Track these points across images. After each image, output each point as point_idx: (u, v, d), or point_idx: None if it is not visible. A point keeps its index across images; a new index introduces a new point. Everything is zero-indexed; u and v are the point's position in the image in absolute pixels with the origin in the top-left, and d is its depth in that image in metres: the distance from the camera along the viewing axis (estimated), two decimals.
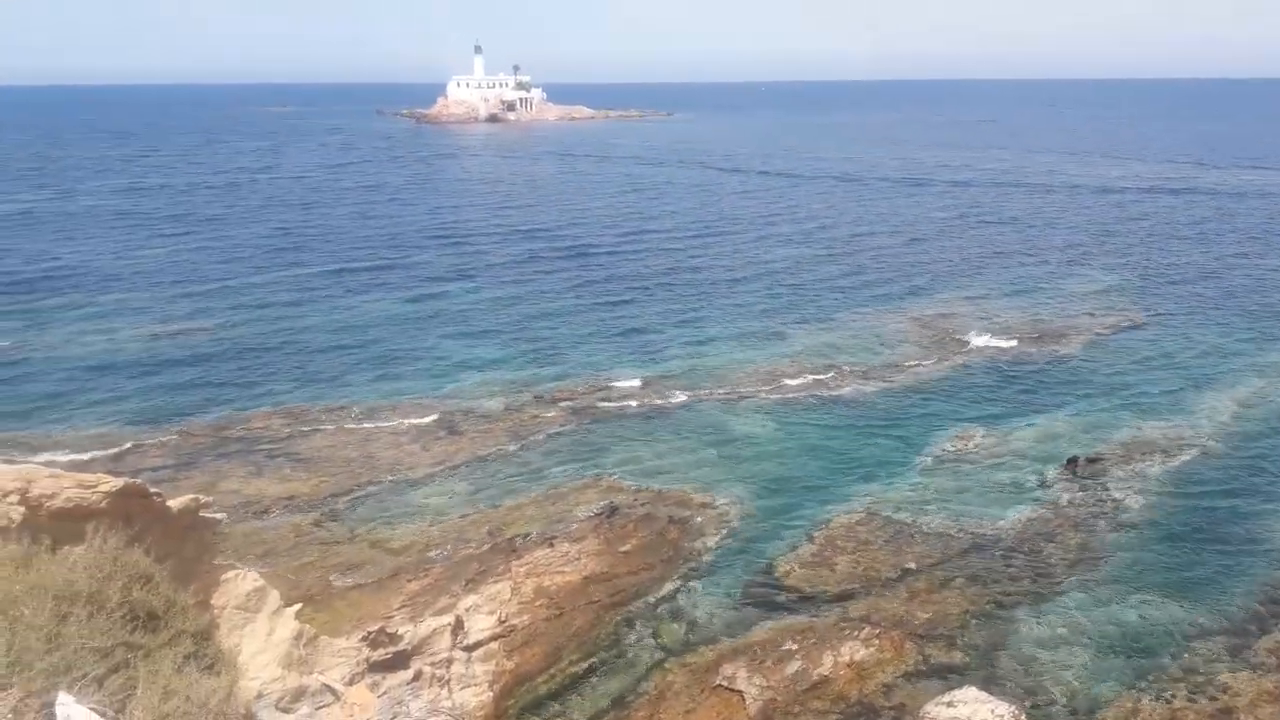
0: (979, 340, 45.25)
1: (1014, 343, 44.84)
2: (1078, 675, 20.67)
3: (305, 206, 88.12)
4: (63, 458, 29.46)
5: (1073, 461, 31.30)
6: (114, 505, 12.58)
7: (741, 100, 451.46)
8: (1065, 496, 29.11)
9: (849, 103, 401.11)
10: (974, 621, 22.57)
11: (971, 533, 26.90)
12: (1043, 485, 30.01)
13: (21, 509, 11.61)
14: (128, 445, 32.18)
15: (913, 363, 42.08)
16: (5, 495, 11.61)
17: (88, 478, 12.94)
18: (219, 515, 16.93)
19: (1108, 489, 29.58)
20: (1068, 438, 33.62)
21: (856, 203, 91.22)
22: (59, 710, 7.85)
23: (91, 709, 7.96)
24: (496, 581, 23.02)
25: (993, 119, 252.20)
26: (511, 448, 32.59)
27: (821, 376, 40.15)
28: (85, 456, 30.37)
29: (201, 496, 15.20)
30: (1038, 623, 22.54)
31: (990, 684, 19.28)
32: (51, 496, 12.12)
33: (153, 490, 14.08)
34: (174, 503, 14.34)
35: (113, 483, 12.94)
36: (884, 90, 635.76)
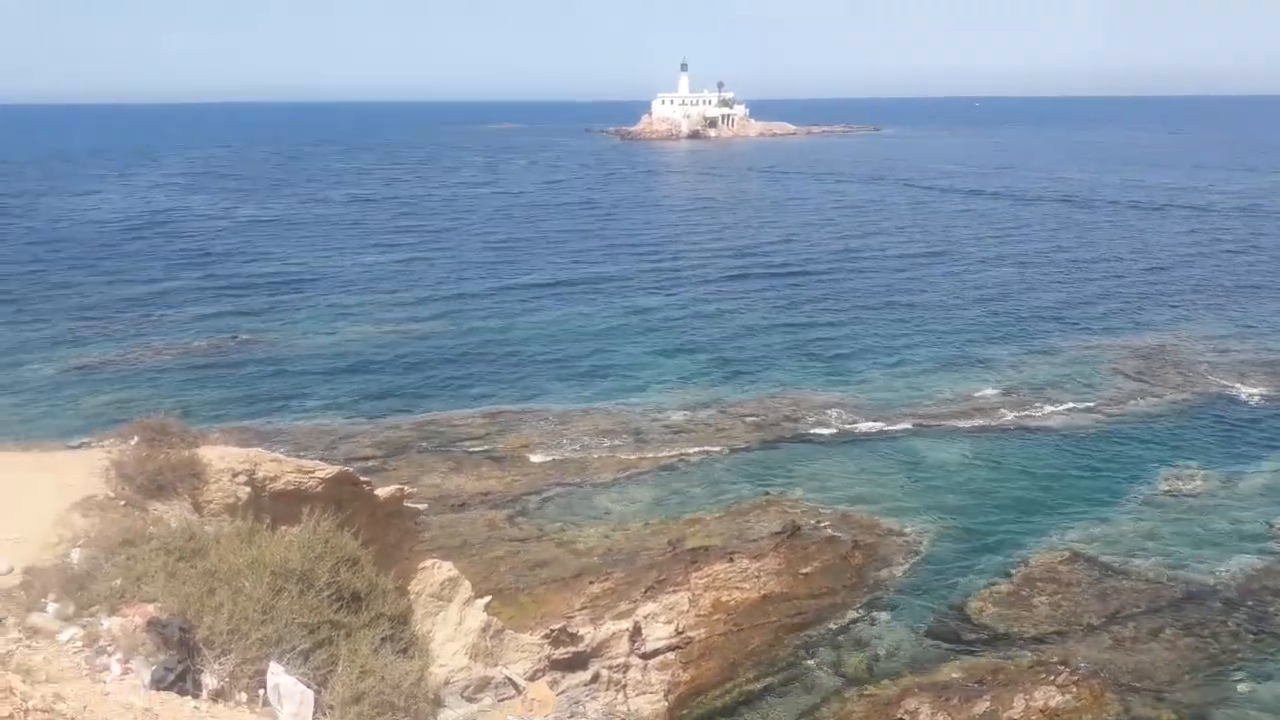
0: (1204, 375, 41.79)
1: (1245, 380, 41.09)
2: None
3: (520, 221, 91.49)
4: (284, 444, 31.90)
5: None
6: (327, 490, 13.55)
7: (954, 115, 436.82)
8: None
9: (1071, 119, 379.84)
10: (1185, 677, 20.85)
11: (1187, 581, 24.86)
12: (1273, 535, 27.35)
13: (248, 489, 12.69)
14: (342, 435, 34.53)
15: (1130, 396, 39.34)
16: (235, 476, 12.72)
17: (306, 464, 13.99)
18: (420, 506, 17.91)
19: None
20: None
21: (1079, 227, 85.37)
22: (270, 679, 8.47)
23: (298, 680, 8.55)
24: (675, 592, 23.18)
25: (1235, 137, 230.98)
26: (695, 459, 32.76)
27: (1028, 405, 38.18)
28: (303, 444, 32.78)
29: (406, 487, 16.12)
30: (1260, 685, 20.56)
31: None
32: (274, 479, 13.19)
33: (362, 479, 15.05)
34: (381, 491, 15.27)
35: (328, 470, 13.94)
36: (1108, 107, 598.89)
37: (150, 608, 8.64)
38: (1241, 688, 20.49)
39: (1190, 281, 61.54)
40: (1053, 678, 20.68)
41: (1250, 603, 23.79)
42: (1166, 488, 30.73)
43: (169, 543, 9.88)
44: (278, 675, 8.52)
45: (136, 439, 12.71)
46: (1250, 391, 39.64)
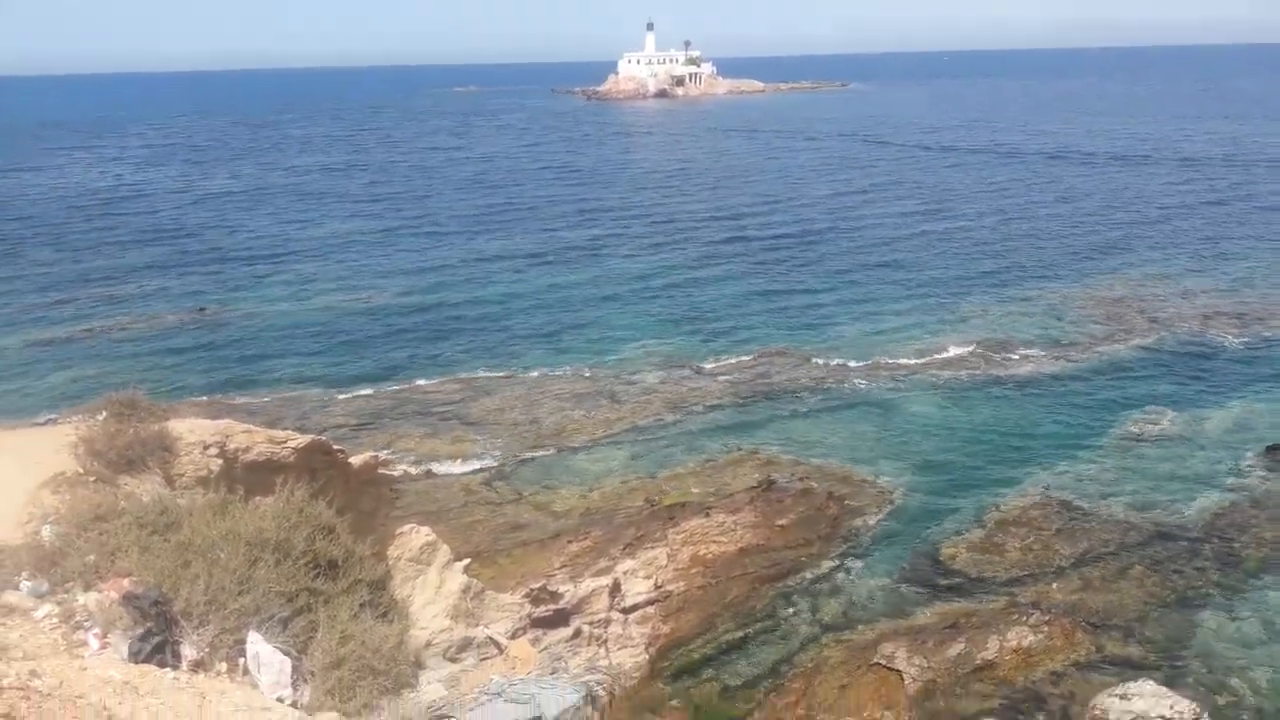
0: (1171, 320, 42.34)
1: (1210, 324, 41.72)
2: (1270, 676, 19.25)
3: (491, 186, 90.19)
4: (255, 415, 31.73)
5: (1274, 449, 28.98)
6: (300, 460, 13.54)
7: (922, 70, 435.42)
8: (1263, 487, 27.01)
9: (1039, 71, 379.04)
10: (1154, 613, 21.35)
11: (1155, 520, 25.38)
12: (1237, 474, 27.93)
13: (220, 460, 12.65)
14: (314, 404, 34.37)
15: (1097, 341, 39.85)
16: (206, 448, 12.68)
17: (278, 434, 13.96)
18: (396, 472, 17.95)
19: None
20: (1267, 425, 31.14)
21: (1046, 179, 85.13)
22: (249, 648, 8.53)
23: (277, 648, 8.61)
24: (653, 548, 23.40)
25: (1208, 87, 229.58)
26: (670, 418, 32.89)
27: (999, 355, 38.58)
28: (275, 415, 32.63)
29: (380, 454, 16.15)
30: (1227, 618, 21.11)
31: (1171, 680, 18.25)
32: (246, 450, 13.16)
33: (336, 447, 15.04)
34: (355, 459, 15.28)
35: (300, 439, 13.92)
36: (1075, 58, 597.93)
37: (125, 582, 8.64)
38: (1208, 622, 21.01)
39: (1156, 229, 62.14)
40: (1025, 619, 21.11)
41: (1216, 539, 24.33)
42: (1136, 430, 31.24)
43: (142, 517, 9.86)
44: (257, 644, 8.57)
45: (105, 414, 12.63)
46: (1216, 335, 40.25)
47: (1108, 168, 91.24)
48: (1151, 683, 17.01)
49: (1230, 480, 27.50)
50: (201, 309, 46.89)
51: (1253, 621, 20.96)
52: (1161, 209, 68.99)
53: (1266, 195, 72.71)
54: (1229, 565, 23.20)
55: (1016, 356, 38.35)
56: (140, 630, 8.07)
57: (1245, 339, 39.56)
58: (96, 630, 8.03)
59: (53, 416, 27.84)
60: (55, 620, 8.12)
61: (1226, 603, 21.69)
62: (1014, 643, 20.28)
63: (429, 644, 13.13)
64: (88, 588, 8.75)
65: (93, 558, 9.14)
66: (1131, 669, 19.21)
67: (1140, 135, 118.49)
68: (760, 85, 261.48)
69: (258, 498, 11.22)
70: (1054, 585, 22.53)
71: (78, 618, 8.20)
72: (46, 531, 9.68)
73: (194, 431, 12.96)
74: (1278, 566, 23.05)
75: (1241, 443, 29.91)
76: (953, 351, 39.14)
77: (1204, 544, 24.14)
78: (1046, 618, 21.13)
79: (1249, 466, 28.24)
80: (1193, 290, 47.24)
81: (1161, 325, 41.62)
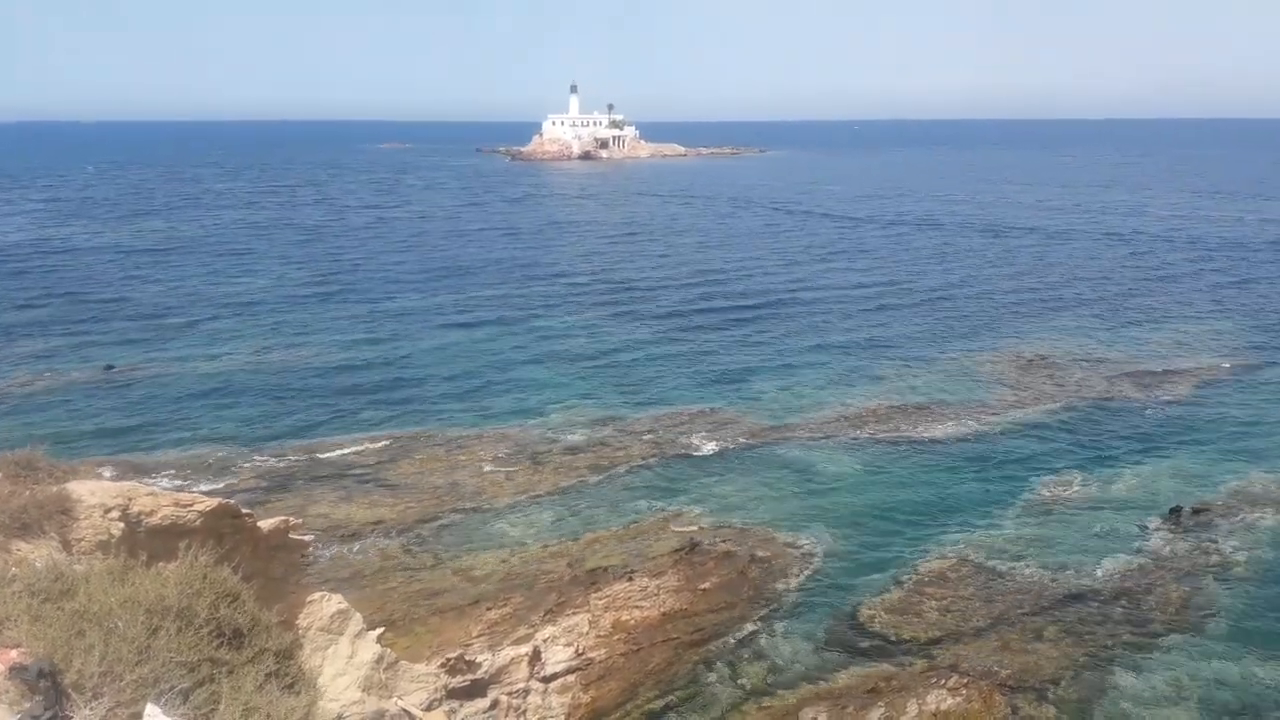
0: (1078, 385, 43.79)
1: (1115, 388, 43.26)
2: None
3: (417, 245, 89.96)
4: (162, 477, 30.65)
5: (1176, 511, 29.96)
6: (207, 524, 13.04)
7: (834, 138, 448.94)
8: (1167, 548, 27.86)
9: (943, 142, 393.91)
10: (1068, 675, 21.68)
11: (1067, 582, 25.91)
12: (1144, 535, 28.77)
13: (121, 525, 12.11)
14: (224, 467, 33.32)
15: (1010, 404, 40.93)
16: (107, 511, 12.13)
17: (184, 497, 13.45)
18: (308, 537, 17.38)
19: (1214, 541, 28.22)
20: (1171, 486, 32.23)
21: (958, 248, 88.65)
22: None
23: None
24: (574, 614, 23.04)
25: (1128, 161, 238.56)
26: (593, 480, 32.70)
27: (913, 417, 39.36)
28: (183, 477, 31.55)
29: (291, 518, 15.62)
30: (1136, 678, 21.54)
31: None
32: (150, 514, 12.63)
33: (245, 511, 14.53)
34: (265, 524, 14.78)
35: (207, 502, 13.42)
36: (979, 129, 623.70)
37: (13, 653, 8.17)
38: (1119, 683, 21.40)
39: (1065, 298, 64.52)
40: (944, 682, 21.24)
41: (1124, 600, 24.92)
42: (1046, 493, 32.01)
43: (34, 584, 9.37)
44: (155, 717, 8.16)
45: None
46: (1119, 399, 41.69)
47: (1019, 238, 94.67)
48: None
49: (1137, 542, 28.28)
50: (109, 367, 45.35)
51: (1161, 681, 21.42)
52: (1072, 279, 71.67)
53: (1171, 266, 76.18)
54: (1137, 625, 23.75)
55: (932, 419, 39.15)
56: (28, 705, 7.62)
57: (1148, 403, 41.04)
58: None
59: None
60: None
61: (1136, 663, 22.14)
62: (933, 706, 20.36)
63: (340, 717, 12.66)
64: None
65: None
66: None
67: (1051, 206, 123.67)
68: (682, 150, 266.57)
69: (161, 563, 10.76)
70: (971, 647, 22.77)
71: None
72: None
73: (95, 494, 12.40)
74: (1184, 627, 23.67)
75: (1147, 504, 30.84)
76: (869, 413, 39.80)
77: (1114, 605, 24.70)
78: (964, 680, 21.30)
79: (1154, 528, 29.11)
80: (1099, 355, 49.01)
81: (1070, 390, 42.99)
